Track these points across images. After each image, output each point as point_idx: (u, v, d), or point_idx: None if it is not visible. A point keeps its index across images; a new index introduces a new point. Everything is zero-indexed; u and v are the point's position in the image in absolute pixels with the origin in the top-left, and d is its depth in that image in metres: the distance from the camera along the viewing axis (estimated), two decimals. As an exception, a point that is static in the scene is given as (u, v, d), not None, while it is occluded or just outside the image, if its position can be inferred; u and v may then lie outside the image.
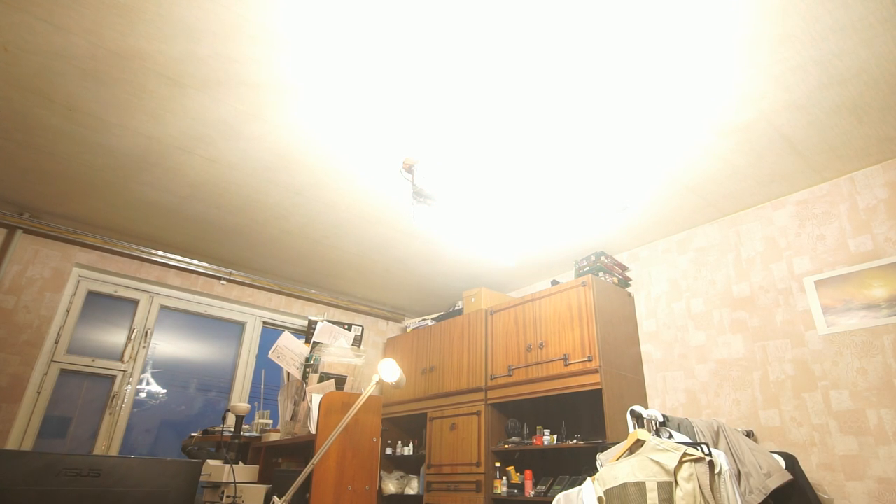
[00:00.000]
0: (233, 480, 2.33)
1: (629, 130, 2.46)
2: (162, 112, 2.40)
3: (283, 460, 2.72)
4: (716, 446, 2.19)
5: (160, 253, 3.75)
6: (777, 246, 2.94)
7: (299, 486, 1.95)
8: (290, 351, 2.68)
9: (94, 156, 2.73)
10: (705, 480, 1.83)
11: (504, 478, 3.22)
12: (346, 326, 2.88)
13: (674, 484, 1.87)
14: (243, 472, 2.43)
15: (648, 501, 1.89)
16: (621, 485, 1.99)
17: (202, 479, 2.32)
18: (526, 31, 1.93)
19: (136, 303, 3.74)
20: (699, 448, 1.94)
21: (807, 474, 2.33)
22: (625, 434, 2.70)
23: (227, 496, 2.30)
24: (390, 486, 3.93)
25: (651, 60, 2.06)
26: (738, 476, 2.09)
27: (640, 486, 1.94)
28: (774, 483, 2.07)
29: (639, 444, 2.11)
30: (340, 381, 2.63)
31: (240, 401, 3.93)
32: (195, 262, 3.89)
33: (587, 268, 3.48)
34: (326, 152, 2.67)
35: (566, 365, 3.09)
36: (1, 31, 1.97)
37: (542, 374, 3.21)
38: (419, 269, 4.10)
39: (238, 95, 2.28)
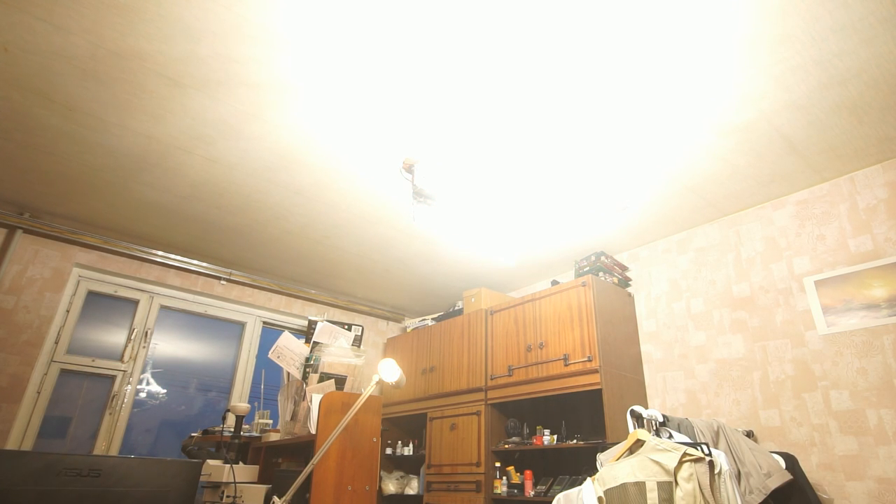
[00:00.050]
0: (233, 480, 2.33)
1: (629, 130, 2.46)
2: (162, 112, 2.40)
3: (283, 460, 2.72)
4: (716, 446, 2.19)
5: (160, 253, 3.75)
6: (777, 246, 2.94)
7: (299, 486, 1.95)
8: (290, 351, 2.68)
9: (94, 156, 2.73)
10: (705, 480, 1.83)
11: (504, 478, 3.22)
12: (346, 326, 2.88)
13: (674, 484, 1.87)
14: (243, 472, 2.43)
15: (648, 501, 1.89)
16: (621, 485, 1.99)
17: (202, 479, 2.32)
18: (526, 31, 1.93)
19: (136, 303, 3.74)
20: (699, 448, 1.94)
21: (807, 474, 2.33)
22: (625, 434, 2.70)
23: (227, 496, 2.30)
24: (390, 486, 3.93)
25: (651, 60, 2.06)
26: (738, 476, 2.09)
27: (640, 486, 1.94)
28: (774, 483, 2.07)
29: (639, 444, 2.12)
30: (340, 381, 2.63)
31: (240, 401, 3.93)
32: (195, 262, 3.89)
33: (587, 268, 3.48)
34: (326, 152, 2.67)
35: (566, 365, 3.09)
36: (1, 31, 1.97)
37: (542, 374, 3.21)
38: (419, 269, 4.10)
39: (238, 95, 2.28)
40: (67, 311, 3.44)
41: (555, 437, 3.12)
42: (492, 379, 3.52)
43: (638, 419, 2.32)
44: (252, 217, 3.33)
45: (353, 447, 2.29)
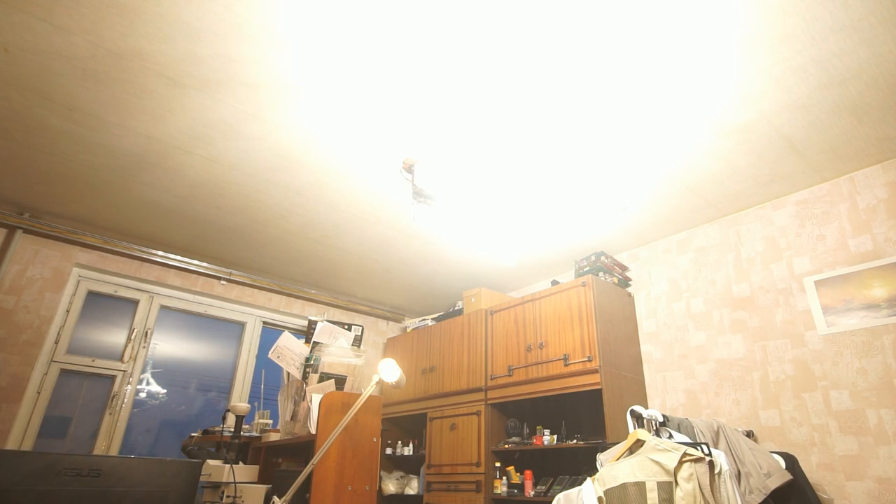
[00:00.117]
0: (233, 480, 2.33)
1: (629, 131, 2.46)
2: (162, 112, 2.40)
3: (283, 460, 2.72)
4: (716, 446, 2.19)
5: (160, 253, 3.75)
6: (777, 246, 2.94)
7: (299, 486, 1.95)
8: (290, 351, 2.68)
9: (94, 156, 2.73)
10: (705, 480, 1.83)
11: (504, 478, 3.22)
12: (346, 326, 2.88)
13: (674, 484, 1.87)
14: (243, 472, 2.43)
15: (648, 501, 1.89)
16: (621, 485, 1.99)
17: (202, 479, 2.32)
18: (526, 32, 1.93)
19: (136, 303, 3.74)
20: (699, 448, 1.94)
21: (807, 474, 2.33)
22: (625, 434, 2.70)
23: (227, 496, 2.30)
24: (390, 486, 3.93)
25: (651, 60, 2.06)
26: (738, 476, 2.09)
27: (640, 486, 1.94)
28: (774, 483, 2.07)
29: (639, 444, 2.12)
30: (340, 381, 2.63)
31: (240, 401, 3.93)
32: (195, 262, 3.89)
33: (587, 268, 3.48)
34: (326, 152, 2.67)
35: (566, 365, 3.09)
36: (1, 31, 1.97)
37: (542, 374, 3.21)
38: (419, 269, 4.10)
39: (238, 95, 2.28)
40: (67, 311, 3.44)
41: (555, 437, 3.12)
42: (492, 379, 3.52)
43: (638, 419, 2.32)
44: (252, 217, 3.32)
45: (353, 447, 2.29)
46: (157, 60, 2.10)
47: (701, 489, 1.81)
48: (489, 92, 2.23)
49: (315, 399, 2.40)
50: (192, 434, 2.98)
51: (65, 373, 3.36)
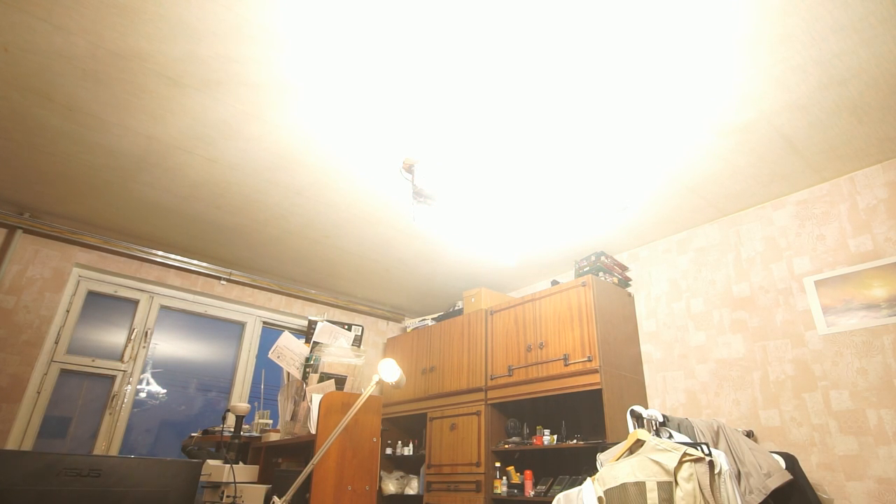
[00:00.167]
0: (233, 480, 2.33)
1: (629, 130, 2.46)
2: (162, 112, 2.40)
3: (283, 460, 2.72)
4: (716, 446, 2.19)
5: (160, 253, 3.75)
6: (777, 246, 2.94)
7: (299, 486, 1.95)
8: (290, 351, 2.68)
9: (94, 156, 2.73)
10: (705, 480, 1.83)
11: (504, 478, 3.22)
12: (346, 326, 2.88)
13: (674, 484, 1.87)
14: (243, 472, 2.43)
15: (648, 501, 1.89)
16: (621, 485, 1.99)
17: (202, 479, 2.32)
18: (526, 32, 1.93)
19: (136, 303, 3.74)
20: (699, 448, 1.94)
21: (807, 474, 2.33)
22: (625, 434, 2.70)
23: (227, 496, 2.30)
24: (390, 486, 3.93)
25: (651, 60, 2.06)
26: (738, 476, 2.09)
27: (640, 486, 1.94)
28: (774, 483, 2.07)
29: (639, 444, 2.11)
30: (340, 381, 2.63)
31: (240, 401, 3.93)
32: (195, 262, 3.89)
33: (587, 268, 3.48)
34: (326, 152, 2.67)
35: (566, 365, 3.09)
36: (1, 31, 1.97)
37: (542, 374, 3.21)
38: (419, 269, 4.10)
39: (238, 95, 2.28)
40: (67, 311, 3.44)
41: (555, 437, 3.12)
42: (492, 379, 3.52)
43: (638, 419, 2.32)
44: (252, 217, 3.33)
45: (353, 447, 2.29)
46: (157, 60, 2.10)
47: (701, 489, 1.81)
48: (489, 92, 2.23)
49: (315, 399, 2.40)
50: (192, 434, 2.98)
51: (65, 373, 3.36)
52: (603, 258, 3.48)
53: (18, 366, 3.13)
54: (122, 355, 3.58)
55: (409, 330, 4.54)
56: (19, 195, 3.13)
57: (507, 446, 3.28)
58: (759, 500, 2.02)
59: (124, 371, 3.54)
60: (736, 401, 2.85)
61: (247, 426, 3.00)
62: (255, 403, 3.39)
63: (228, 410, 2.69)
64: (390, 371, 2.24)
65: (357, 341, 2.90)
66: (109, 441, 3.37)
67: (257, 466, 2.58)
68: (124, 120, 2.45)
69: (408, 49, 2.03)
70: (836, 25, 1.88)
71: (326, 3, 1.84)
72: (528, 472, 3.11)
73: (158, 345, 3.81)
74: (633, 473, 1.99)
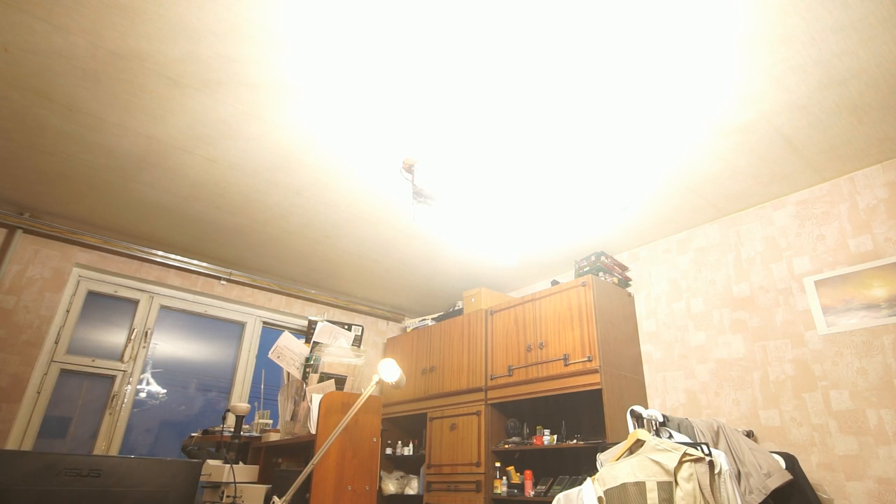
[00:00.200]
0: (233, 480, 2.33)
1: (629, 130, 2.46)
2: (162, 112, 2.40)
3: (283, 460, 2.72)
4: (716, 446, 2.19)
5: (160, 253, 3.75)
6: (777, 246, 2.94)
7: (299, 486, 1.95)
8: (290, 351, 2.68)
9: (94, 156, 2.73)
10: (705, 480, 1.83)
11: (504, 478, 3.22)
12: (346, 326, 2.88)
13: (674, 484, 1.87)
14: (243, 472, 2.43)
15: (648, 501, 1.89)
16: (621, 485, 1.99)
17: (202, 479, 2.32)
18: (526, 32, 1.93)
19: (136, 303, 3.74)
20: (699, 448, 1.94)
21: (807, 474, 2.33)
22: (625, 434, 2.70)
23: (227, 496, 2.30)
24: (390, 486, 3.93)
25: (651, 60, 2.06)
26: (738, 476, 2.09)
27: (640, 486, 1.94)
28: (774, 483, 2.07)
29: (639, 444, 2.11)
30: (340, 381, 2.63)
31: (240, 401, 3.93)
32: (195, 262, 3.89)
33: (587, 268, 3.48)
34: (326, 152, 2.67)
35: (566, 365, 3.09)
36: (1, 31, 1.97)
37: (542, 374, 3.21)
38: (419, 269, 4.10)
39: (238, 95, 2.28)
40: (67, 311, 3.44)
41: (555, 437, 3.12)
42: (492, 379, 3.52)
43: (638, 419, 2.32)
44: (252, 217, 3.33)
45: (353, 447, 2.29)
46: (157, 60, 2.10)
47: (701, 489, 1.81)
48: (489, 92, 2.23)
49: (315, 399, 2.40)
50: (192, 434, 2.98)
51: (65, 373, 3.36)
52: (603, 258, 3.48)
53: (18, 366, 3.13)
54: (122, 355, 3.58)
55: (409, 330, 4.54)
56: (19, 195, 3.13)
57: (507, 446, 3.28)
58: (759, 500, 2.02)
59: (124, 371, 3.54)
60: (736, 401, 2.85)
61: (247, 426, 3.00)
62: (255, 403, 3.39)
63: (228, 410, 2.69)
64: (390, 371, 2.24)
65: (357, 341, 2.90)
66: (109, 441, 3.37)
67: (257, 466, 2.58)
68: (124, 120, 2.45)
69: (408, 49, 2.03)
70: (836, 25, 1.88)
71: (326, 3, 1.84)
72: (528, 472, 3.11)
73: (158, 345, 3.81)
74: (633, 473, 1.99)
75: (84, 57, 2.08)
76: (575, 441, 3.02)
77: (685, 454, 1.90)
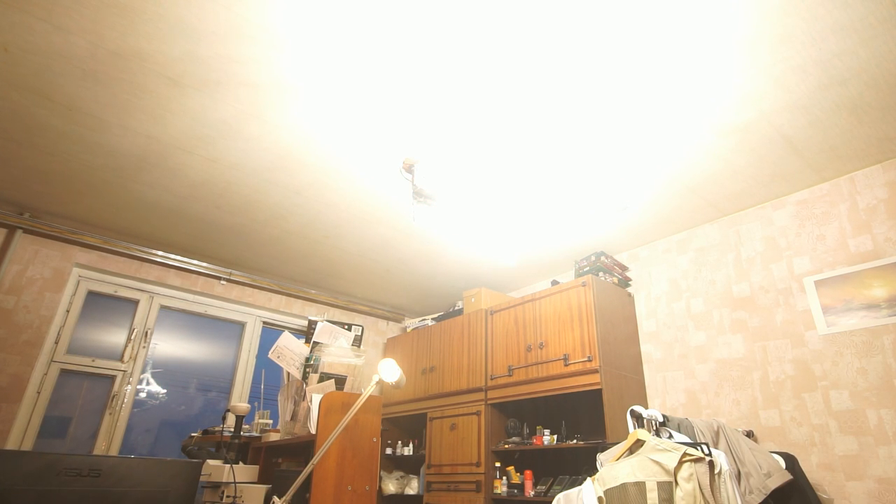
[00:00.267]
0: (233, 480, 2.33)
1: (629, 130, 2.46)
2: (162, 112, 2.40)
3: (283, 460, 2.72)
4: (716, 446, 2.19)
5: (160, 253, 3.75)
6: (777, 246, 2.94)
7: (299, 486, 1.95)
8: (290, 351, 2.68)
9: (94, 156, 2.73)
10: (705, 480, 1.83)
11: (504, 478, 3.22)
12: (346, 326, 2.88)
13: (674, 484, 1.87)
14: (243, 472, 2.43)
15: (648, 501, 1.89)
16: (621, 485, 1.99)
17: (202, 479, 2.32)
18: (526, 32, 1.93)
19: (136, 303, 3.74)
20: (699, 448, 1.94)
21: (807, 474, 2.33)
22: (625, 434, 2.70)
23: (227, 496, 2.30)
24: (390, 486, 3.93)
25: (651, 61, 2.06)
26: (738, 476, 2.09)
27: (640, 486, 1.94)
28: (774, 483, 2.07)
29: (639, 444, 2.11)
30: (340, 381, 2.63)
31: (240, 401, 3.93)
32: (195, 262, 3.89)
33: (587, 268, 3.48)
34: (326, 152, 2.67)
35: (566, 365, 3.09)
36: (1, 31, 1.97)
37: (542, 374, 3.21)
38: (419, 269, 4.10)
39: (238, 95, 2.28)
40: (67, 311, 3.44)
41: (555, 437, 3.12)
42: (492, 379, 3.52)
43: (638, 419, 2.32)
44: (252, 217, 3.33)
45: (353, 447, 2.29)
46: (157, 60, 2.10)
47: (701, 489, 1.81)
48: (489, 92, 2.23)
49: (315, 399, 2.40)
50: (192, 434, 2.98)
51: (65, 373, 3.36)
52: (603, 258, 3.48)
53: (18, 366, 3.13)
54: (122, 355, 3.58)
55: (409, 330, 4.54)
56: (19, 195, 3.13)
57: (507, 446, 3.28)
58: (759, 500, 2.02)
59: (124, 371, 3.54)
60: (736, 401, 2.85)
61: (247, 426, 3.00)
62: (255, 403, 3.39)
63: (228, 410, 2.69)
64: (390, 371, 2.24)
65: (357, 341, 2.90)
66: (109, 441, 3.37)
67: (257, 466, 2.58)
68: (124, 120, 2.45)
69: (408, 49, 2.03)
70: (836, 25, 1.88)
71: (326, 3, 1.84)
72: (528, 472, 3.11)
73: (158, 345, 3.81)
74: (633, 473, 1.99)
75: (84, 57, 2.08)
76: (575, 441, 3.02)
77: (685, 454, 1.90)
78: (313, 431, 2.35)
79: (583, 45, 1.99)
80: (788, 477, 2.13)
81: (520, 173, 2.79)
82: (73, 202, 3.20)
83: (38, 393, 3.21)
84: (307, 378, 2.60)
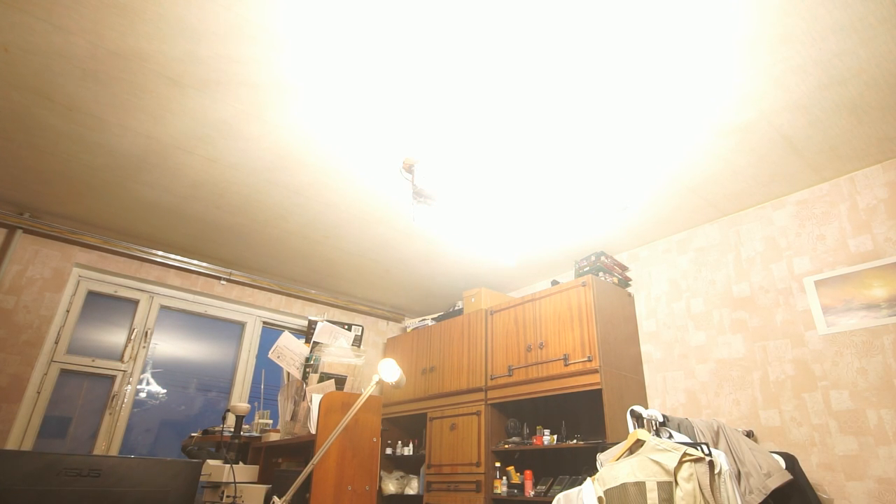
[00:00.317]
0: (233, 480, 2.33)
1: (629, 130, 2.46)
2: (162, 112, 2.40)
3: (283, 460, 2.72)
4: (716, 446, 2.19)
5: (160, 253, 3.75)
6: (777, 246, 2.94)
7: (299, 486, 1.95)
8: (290, 351, 2.68)
9: (94, 156, 2.73)
10: (705, 480, 1.83)
11: (504, 478, 3.22)
12: (346, 326, 2.88)
13: (674, 484, 1.87)
14: (243, 472, 2.43)
15: (648, 501, 1.89)
16: (621, 485, 1.99)
17: (202, 479, 2.32)
18: (526, 32, 1.93)
19: (136, 303, 3.74)
20: (699, 448, 1.94)
21: (807, 474, 2.33)
22: (625, 434, 2.70)
23: (227, 496, 2.30)
24: (390, 486, 3.93)
25: (651, 61, 2.06)
26: (738, 476, 2.09)
27: (640, 486, 1.94)
28: (774, 483, 2.07)
29: (639, 444, 2.11)
30: (340, 381, 2.63)
31: (240, 401, 3.93)
32: (195, 262, 3.89)
33: (587, 268, 3.48)
34: (326, 152, 2.67)
35: (566, 365, 3.09)
36: (1, 31, 1.97)
37: (542, 374, 3.21)
38: (419, 269, 4.10)
39: (238, 95, 2.28)
40: (67, 311, 3.44)
41: (555, 437, 3.12)
42: (492, 379, 3.52)
43: (638, 419, 2.32)
44: (252, 217, 3.33)
45: (353, 447, 2.29)
46: (157, 60, 2.10)
47: (701, 489, 1.81)
48: (489, 92, 2.23)
49: (315, 399, 2.40)
50: (192, 434, 2.98)
51: (65, 373, 3.36)
52: (603, 258, 3.48)
53: (18, 366, 3.13)
54: (122, 355, 3.58)
55: (409, 330, 4.54)
56: (19, 195, 3.13)
57: (507, 446, 3.28)
58: (759, 500, 2.02)
59: (124, 371, 3.54)
60: (736, 401, 2.85)
61: (247, 426, 3.00)
62: (255, 403, 3.39)
63: (228, 410, 2.69)
64: (390, 371, 2.24)
65: (357, 341, 2.90)
66: (109, 441, 3.37)
67: (257, 466, 2.58)
68: (124, 120, 2.45)
69: (408, 49, 2.03)
70: (836, 25, 1.88)
71: (326, 4, 1.84)
72: (528, 472, 3.11)
73: (158, 345, 3.81)
74: (633, 473, 1.99)
75: (84, 57, 2.08)
76: (575, 441, 3.02)
77: (685, 454, 1.90)
78: (313, 431, 2.35)
79: (583, 45, 1.99)
80: (788, 477, 2.13)
81: (520, 173, 2.79)
82: (73, 202, 3.20)
83: (38, 393, 3.21)
84: (307, 378, 2.60)
